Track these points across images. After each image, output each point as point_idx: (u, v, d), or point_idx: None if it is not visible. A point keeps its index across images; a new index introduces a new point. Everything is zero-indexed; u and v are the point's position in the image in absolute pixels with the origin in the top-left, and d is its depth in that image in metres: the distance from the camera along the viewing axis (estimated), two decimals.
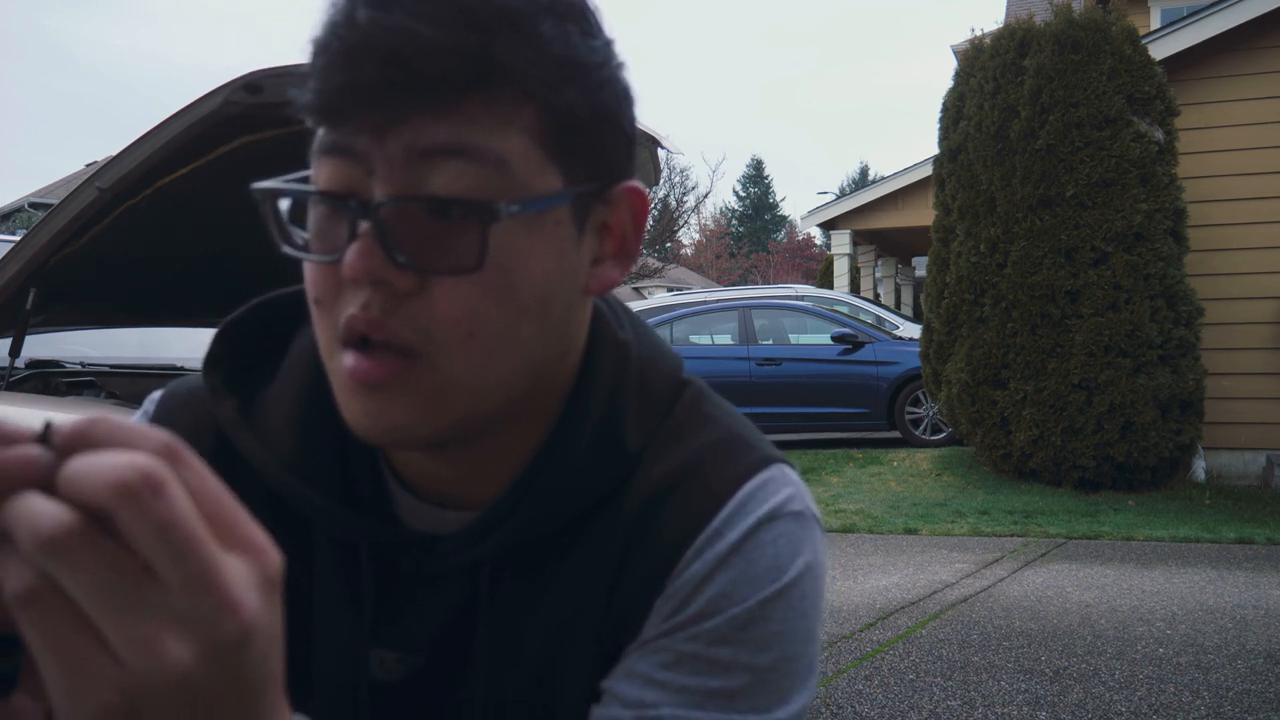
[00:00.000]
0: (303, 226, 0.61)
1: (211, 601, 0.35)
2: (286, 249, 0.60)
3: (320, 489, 0.68)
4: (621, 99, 0.63)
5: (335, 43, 0.56)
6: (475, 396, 0.61)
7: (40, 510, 0.34)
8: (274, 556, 0.38)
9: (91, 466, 0.34)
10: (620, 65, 0.63)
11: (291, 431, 0.69)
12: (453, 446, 0.65)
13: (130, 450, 0.35)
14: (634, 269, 0.75)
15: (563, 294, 0.63)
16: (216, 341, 0.73)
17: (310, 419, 0.69)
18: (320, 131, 0.59)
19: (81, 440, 0.35)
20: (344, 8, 0.57)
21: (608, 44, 0.63)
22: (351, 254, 0.57)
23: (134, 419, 0.74)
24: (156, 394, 0.77)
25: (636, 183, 0.65)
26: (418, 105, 0.56)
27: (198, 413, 0.73)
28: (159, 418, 0.75)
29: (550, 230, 0.61)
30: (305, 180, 0.61)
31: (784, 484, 0.70)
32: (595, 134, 0.62)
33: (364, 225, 0.57)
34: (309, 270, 0.61)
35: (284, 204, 0.61)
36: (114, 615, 0.34)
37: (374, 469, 0.70)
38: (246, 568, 0.36)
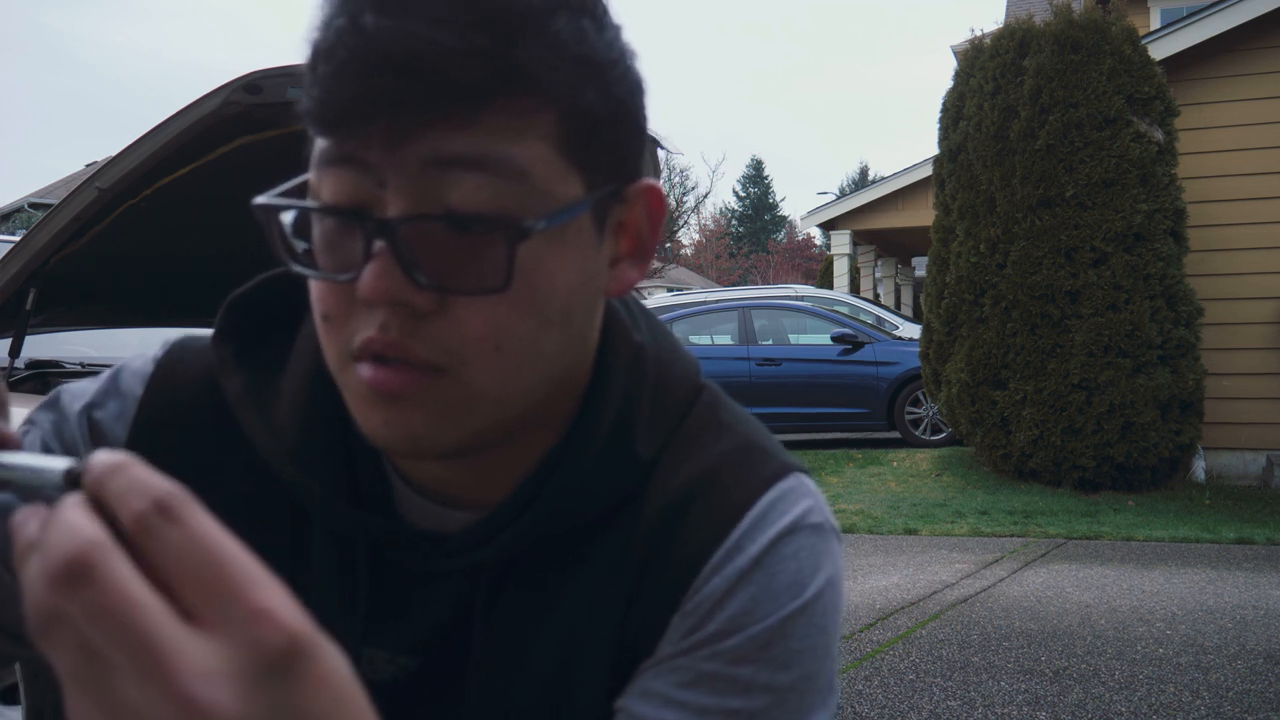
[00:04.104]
0: (305, 236, 0.58)
1: (161, 699, 0.31)
2: (295, 267, 0.57)
3: (321, 480, 0.66)
4: (635, 92, 0.61)
5: (340, 50, 0.52)
6: (499, 407, 0.59)
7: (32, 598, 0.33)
8: (282, 628, 0.32)
9: (43, 549, 0.33)
10: (632, 55, 0.61)
11: (296, 419, 0.67)
12: (466, 455, 0.63)
13: (82, 526, 0.33)
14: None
15: (585, 301, 0.61)
16: (225, 315, 0.71)
17: (315, 409, 0.67)
18: (322, 141, 0.56)
19: (95, 489, 0.35)
20: (348, 11, 0.53)
21: (618, 34, 0.60)
22: (369, 275, 0.54)
23: (144, 362, 0.73)
24: (172, 338, 0.74)
25: (653, 180, 0.63)
26: (434, 115, 0.53)
27: (207, 371, 0.71)
28: (164, 366, 0.73)
29: (573, 239, 0.59)
30: (305, 186, 0.58)
31: (803, 494, 0.68)
32: (613, 133, 0.59)
33: (379, 244, 0.54)
34: (316, 285, 0.58)
35: (287, 216, 0.58)
36: (83, 697, 0.33)
37: (377, 464, 0.68)
38: (224, 653, 0.32)
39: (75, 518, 0.33)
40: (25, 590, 0.33)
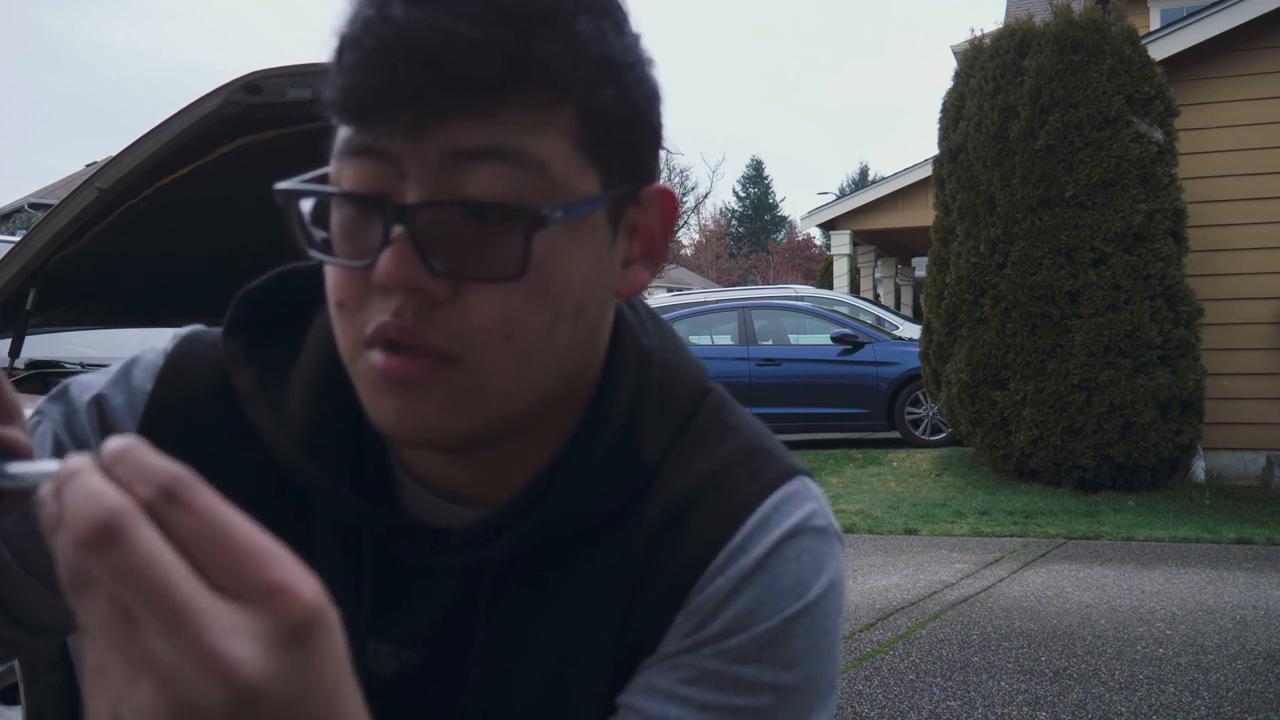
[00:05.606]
0: (323, 226, 0.59)
1: (186, 653, 0.32)
2: (313, 253, 0.58)
3: (326, 469, 0.67)
4: (652, 97, 0.62)
5: (368, 39, 0.54)
6: (509, 399, 0.60)
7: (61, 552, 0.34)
8: (298, 601, 0.34)
9: (66, 514, 0.34)
10: (650, 62, 0.62)
11: (305, 411, 0.68)
12: (474, 449, 0.63)
13: (107, 493, 0.34)
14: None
15: (597, 298, 0.62)
16: (236, 309, 0.72)
17: (324, 401, 0.68)
18: (345, 130, 0.57)
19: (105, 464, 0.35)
20: (377, 2, 0.54)
21: (637, 40, 0.61)
22: (386, 260, 0.55)
23: (155, 355, 0.73)
24: (182, 331, 0.75)
25: (666, 184, 0.65)
26: (455, 106, 0.54)
27: (217, 365, 0.72)
28: (174, 359, 0.73)
29: (588, 234, 0.59)
30: (325, 178, 0.59)
31: (807, 498, 0.69)
32: (629, 135, 0.60)
33: (398, 230, 0.55)
34: (332, 272, 0.59)
35: (306, 204, 0.59)
36: (111, 653, 0.34)
37: (384, 458, 0.69)
38: (247, 617, 0.33)
39: (97, 484, 0.34)
40: (56, 554, 0.34)
